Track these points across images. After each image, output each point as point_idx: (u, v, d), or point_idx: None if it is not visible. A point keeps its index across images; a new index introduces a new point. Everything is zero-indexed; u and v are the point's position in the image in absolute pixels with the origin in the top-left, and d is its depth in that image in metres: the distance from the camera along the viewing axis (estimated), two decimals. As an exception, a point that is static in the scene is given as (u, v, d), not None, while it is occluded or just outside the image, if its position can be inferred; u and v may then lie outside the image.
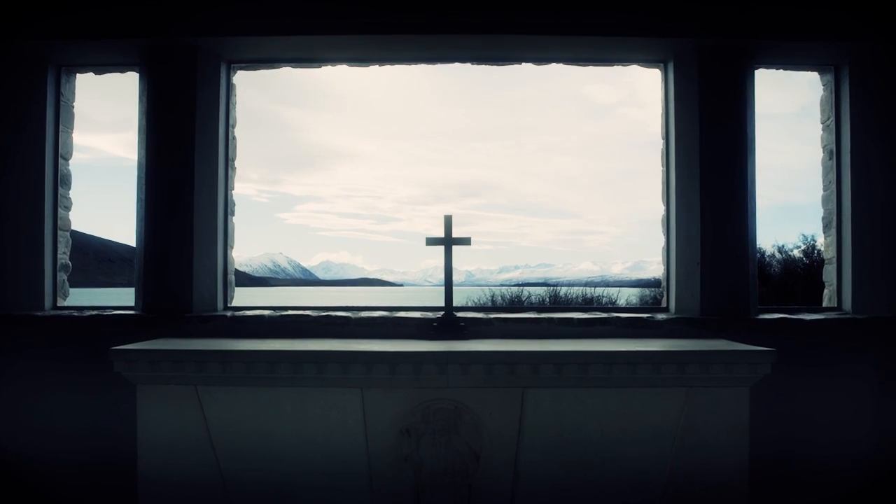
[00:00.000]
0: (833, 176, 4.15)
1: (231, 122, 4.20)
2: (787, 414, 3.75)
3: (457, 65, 4.27)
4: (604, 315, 3.94)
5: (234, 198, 4.20)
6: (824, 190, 4.24)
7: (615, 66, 4.21)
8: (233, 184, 4.22)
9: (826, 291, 4.27)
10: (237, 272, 4.42)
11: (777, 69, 4.20)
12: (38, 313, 3.96)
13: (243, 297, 4.62)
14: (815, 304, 4.31)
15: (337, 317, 3.90)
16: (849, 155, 4.04)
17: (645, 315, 3.95)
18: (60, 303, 4.19)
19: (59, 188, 4.17)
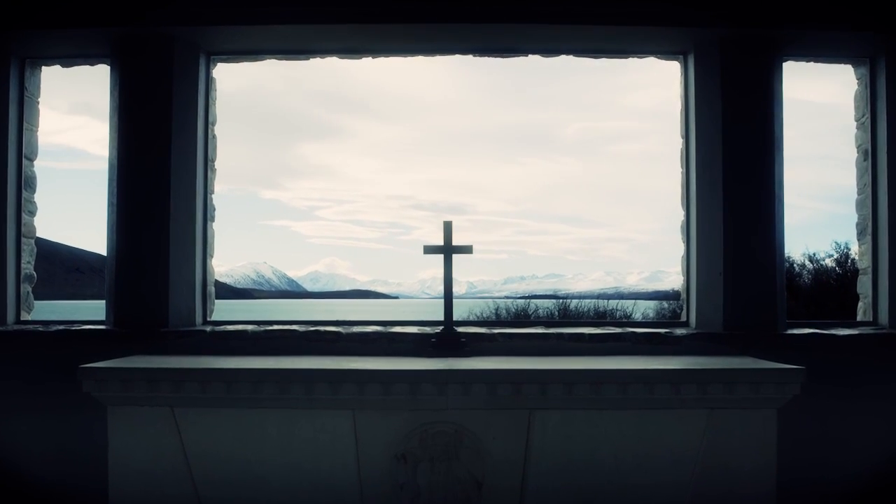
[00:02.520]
0: (868, 178, 4.15)
1: (211, 119, 4.21)
2: (817, 437, 3.74)
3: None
4: (618, 330, 3.94)
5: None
6: (858, 193, 4.24)
7: (630, 59, 4.23)
8: (213, 186, 4.23)
9: (861, 304, 4.27)
10: (217, 283, 4.42)
11: (807, 61, 4.20)
12: (0, 328, 3.96)
13: (224, 310, 4.63)
14: (848, 318, 4.31)
15: (326, 332, 3.90)
16: (885, 155, 4.04)
17: (663, 330, 3.95)
18: (24, 317, 4.19)
19: (23, 191, 4.17)
